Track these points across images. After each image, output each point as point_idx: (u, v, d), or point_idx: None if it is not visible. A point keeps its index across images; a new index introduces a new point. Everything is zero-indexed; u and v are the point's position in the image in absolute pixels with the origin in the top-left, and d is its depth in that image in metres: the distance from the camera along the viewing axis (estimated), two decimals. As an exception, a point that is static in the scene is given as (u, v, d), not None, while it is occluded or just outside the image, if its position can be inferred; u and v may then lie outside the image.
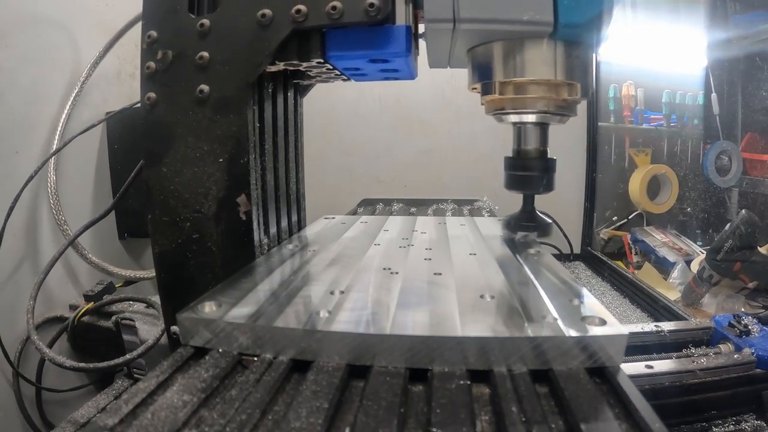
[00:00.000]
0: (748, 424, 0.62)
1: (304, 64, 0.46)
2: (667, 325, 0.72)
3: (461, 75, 0.50)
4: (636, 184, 1.50)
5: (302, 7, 0.43)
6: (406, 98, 1.46)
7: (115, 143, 1.01)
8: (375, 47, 0.43)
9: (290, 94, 0.59)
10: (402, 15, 0.43)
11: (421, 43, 0.51)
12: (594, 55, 0.44)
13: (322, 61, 0.45)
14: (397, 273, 0.43)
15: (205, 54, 0.46)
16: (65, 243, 0.78)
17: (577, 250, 1.45)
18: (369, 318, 0.32)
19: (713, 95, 1.54)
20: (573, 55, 0.41)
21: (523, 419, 0.24)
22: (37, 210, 0.86)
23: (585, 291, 0.37)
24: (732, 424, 0.62)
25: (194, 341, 0.32)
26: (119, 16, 0.94)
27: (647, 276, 1.32)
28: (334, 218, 0.74)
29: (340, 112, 1.46)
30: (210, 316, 0.32)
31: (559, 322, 0.31)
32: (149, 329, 0.72)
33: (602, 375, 0.28)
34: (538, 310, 0.33)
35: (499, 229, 0.64)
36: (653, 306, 0.94)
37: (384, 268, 0.44)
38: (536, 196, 0.51)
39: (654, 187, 1.55)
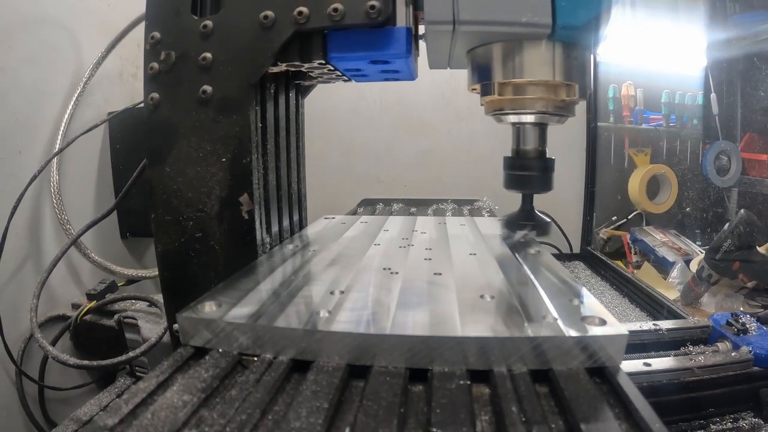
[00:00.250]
0: (746, 421, 0.63)
1: (306, 65, 0.47)
2: (665, 324, 0.72)
3: (461, 76, 0.51)
4: (635, 184, 1.51)
5: (304, 9, 0.43)
6: (407, 99, 1.47)
7: (117, 143, 1.02)
8: (376, 49, 0.44)
9: (292, 95, 0.60)
10: (402, 17, 0.43)
11: (422, 44, 0.51)
12: (592, 55, 0.44)
13: (323, 62, 0.46)
14: (397, 273, 0.43)
15: (208, 55, 0.46)
16: (68, 242, 0.78)
17: (576, 249, 1.45)
18: (369, 318, 0.32)
19: (712, 95, 1.55)
20: (571, 57, 0.42)
21: (523, 419, 0.24)
22: (40, 209, 0.87)
23: (585, 291, 0.36)
24: (730, 422, 0.62)
25: (194, 341, 0.32)
26: (121, 16, 0.95)
27: (646, 275, 1.32)
28: (334, 218, 0.74)
29: (340, 113, 1.46)
30: (210, 316, 0.32)
31: (559, 322, 0.31)
32: (152, 327, 0.73)
33: (602, 375, 0.28)
34: (538, 310, 0.33)
35: (499, 228, 0.64)
36: (652, 305, 0.95)
37: (384, 268, 0.44)
38: (536, 196, 0.51)
39: (653, 187, 1.55)
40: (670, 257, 1.39)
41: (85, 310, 0.81)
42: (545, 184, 0.48)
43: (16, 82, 0.82)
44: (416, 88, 1.42)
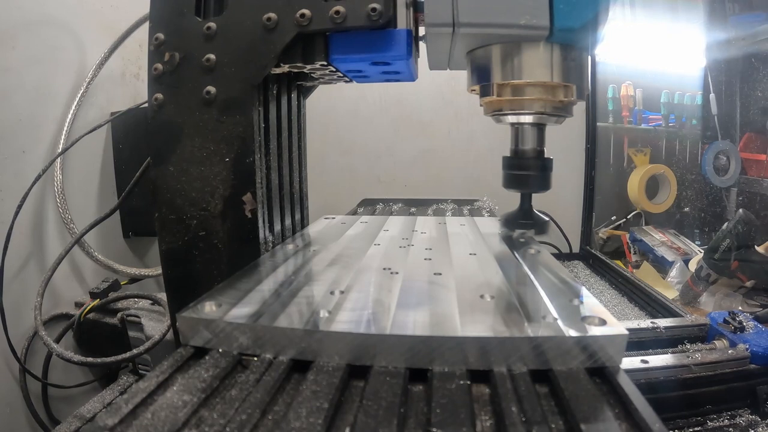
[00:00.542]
0: (743, 418, 0.63)
1: (308, 67, 0.48)
2: (663, 322, 0.73)
3: (461, 76, 0.51)
4: (635, 184, 1.52)
5: (306, 11, 0.44)
6: (407, 99, 1.48)
7: (119, 143, 1.02)
8: (377, 50, 0.45)
9: (294, 95, 0.61)
10: (403, 19, 0.44)
11: (422, 45, 0.52)
12: (589, 56, 0.45)
13: (325, 63, 0.46)
14: (397, 273, 0.43)
15: (212, 56, 0.47)
16: (72, 241, 0.79)
17: (576, 249, 1.46)
18: (369, 318, 0.32)
19: (712, 95, 1.55)
20: (569, 58, 0.42)
21: (523, 419, 0.24)
22: (44, 208, 0.88)
23: (585, 291, 0.36)
24: (727, 419, 0.63)
25: (194, 341, 0.32)
26: (124, 17, 0.96)
27: (646, 275, 1.33)
28: (334, 218, 0.74)
29: (341, 113, 1.47)
30: (210, 316, 0.32)
31: (559, 322, 0.31)
32: (155, 325, 0.73)
33: (602, 375, 0.28)
34: (538, 310, 0.33)
35: (499, 228, 0.64)
36: (651, 304, 0.95)
37: (384, 268, 0.44)
38: (535, 196, 0.52)
39: (652, 187, 1.56)
40: (669, 257, 1.40)
41: (89, 308, 0.81)
42: (543, 184, 0.49)
43: (19, 82, 0.83)
44: (416, 89, 1.42)
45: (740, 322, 0.69)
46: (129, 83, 1.10)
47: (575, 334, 0.29)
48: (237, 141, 0.47)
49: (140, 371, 0.81)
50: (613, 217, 1.55)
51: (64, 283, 0.91)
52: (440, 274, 0.42)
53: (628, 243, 1.51)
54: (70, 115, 0.90)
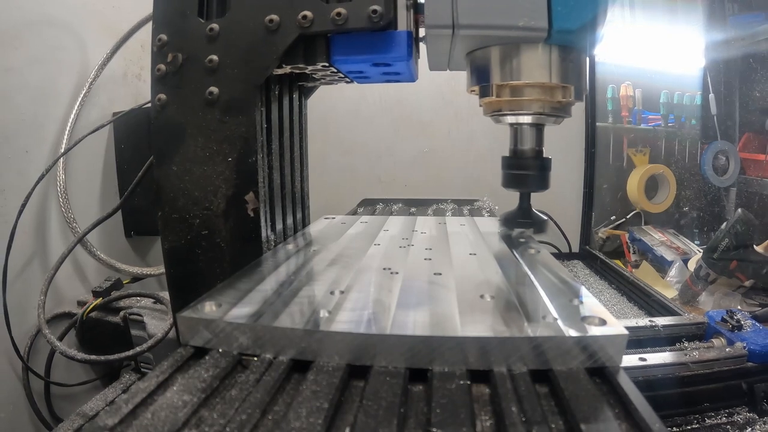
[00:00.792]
0: (741, 416, 0.63)
1: (310, 68, 0.48)
2: (661, 320, 0.74)
3: (460, 76, 0.52)
4: (634, 184, 1.52)
5: (308, 13, 0.44)
6: (407, 99, 1.48)
7: (121, 143, 1.03)
8: (378, 52, 0.45)
9: (295, 96, 0.61)
10: (404, 21, 0.45)
11: (422, 46, 0.52)
12: (588, 57, 0.46)
13: (327, 64, 0.47)
14: (397, 273, 0.43)
15: (215, 57, 0.48)
16: (75, 240, 0.79)
17: (575, 249, 1.46)
18: (369, 318, 0.32)
19: (711, 95, 1.56)
20: (567, 59, 0.43)
21: (523, 419, 0.24)
22: (47, 208, 0.88)
23: (585, 291, 0.37)
24: (724, 416, 0.63)
25: (194, 341, 0.32)
26: (125, 18, 0.96)
27: (645, 275, 1.33)
28: (334, 218, 0.74)
29: (341, 113, 1.47)
30: (210, 316, 0.32)
31: (559, 322, 0.31)
32: (157, 324, 0.74)
33: (602, 375, 0.28)
34: (538, 310, 0.33)
35: (498, 227, 0.65)
36: (650, 304, 0.96)
37: (384, 268, 0.44)
38: (535, 195, 0.52)
39: (652, 187, 1.56)
40: (669, 256, 1.40)
41: (91, 306, 0.82)
42: (542, 183, 0.49)
43: (22, 82, 0.83)
44: (416, 89, 1.43)
45: (738, 321, 0.69)
46: (131, 83, 1.11)
47: (575, 334, 0.29)
48: (240, 141, 0.48)
49: (142, 369, 0.81)
50: (613, 217, 1.56)
51: (67, 282, 0.92)
52: (440, 274, 0.43)
53: (627, 243, 1.51)
54: (72, 115, 0.91)
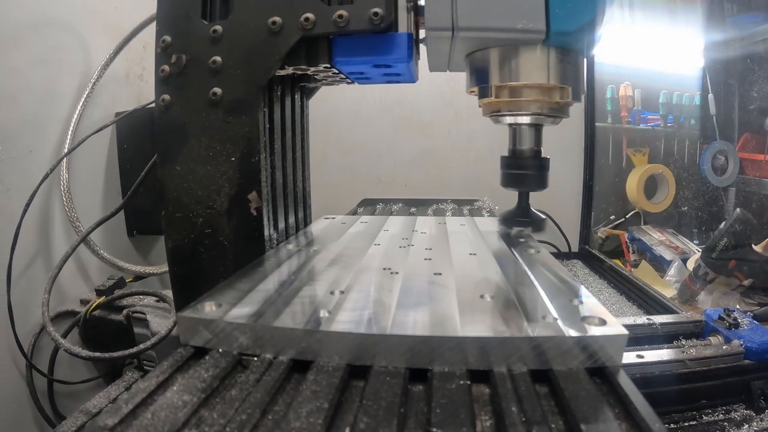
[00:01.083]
0: (738, 413, 0.64)
1: (312, 69, 0.49)
2: (658, 318, 0.74)
3: (460, 77, 0.52)
4: (633, 184, 1.53)
5: (310, 15, 0.45)
6: (407, 99, 1.49)
7: (124, 143, 1.04)
8: (379, 53, 0.46)
9: (297, 97, 0.62)
10: (404, 23, 0.45)
11: (422, 47, 0.53)
12: (585, 59, 0.46)
13: (328, 66, 0.48)
14: (397, 273, 0.43)
15: (218, 58, 0.48)
16: (78, 238, 0.80)
17: (575, 248, 1.47)
18: (369, 318, 0.32)
19: (710, 96, 1.56)
20: (565, 61, 0.44)
21: (523, 419, 0.24)
22: (50, 207, 0.89)
23: (584, 291, 0.37)
24: (722, 413, 0.64)
25: (194, 341, 0.32)
26: (127, 19, 0.97)
27: (644, 274, 1.34)
28: (334, 218, 0.74)
29: (342, 113, 1.48)
30: (210, 316, 0.32)
31: (559, 322, 0.31)
32: (160, 322, 0.75)
33: (602, 375, 0.28)
34: (538, 310, 0.33)
35: (497, 227, 0.65)
36: (649, 303, 0.96)
37: (384, 268, 0.44)
38: (535, 195, 0.53)
39: (651, 187, 1.57)
40: (668, 256, 1.41)
41: (95, 305, 0.83)
42: (540, 183, 0.50)
43: (26, 83, 0.84)
44: (416, 89, 1.42)
45: (735, 319, 0.70)
46: (133, 84, 1.12)
47: (575, 334, 0.29)
48: (243, 141, 0.48)
49: (145, 367, 0.82)
50: (612, 217, 1.56)
51: (70, 281, 0.93)
52: (440, 274, 0.43)
53: (626, 242, 1.52)
54: (75, 115, 0.92)
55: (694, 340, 0.69)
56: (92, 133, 0.89)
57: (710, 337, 0.69)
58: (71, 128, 0.91)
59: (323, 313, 0.32)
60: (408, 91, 1.45)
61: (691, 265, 1.27)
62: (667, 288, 1.26)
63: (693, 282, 1.19)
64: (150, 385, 0.27)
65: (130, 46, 0.99)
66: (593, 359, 0.29)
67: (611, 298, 1.08)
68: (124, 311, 0.80)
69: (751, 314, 0.73)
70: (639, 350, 0.64)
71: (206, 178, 0.50)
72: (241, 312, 0.33)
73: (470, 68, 0.49)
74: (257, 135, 0.48)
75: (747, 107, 1.55)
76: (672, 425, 0.61)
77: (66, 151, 0.87)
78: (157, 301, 0.82)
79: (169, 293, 0.82)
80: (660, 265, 1.41)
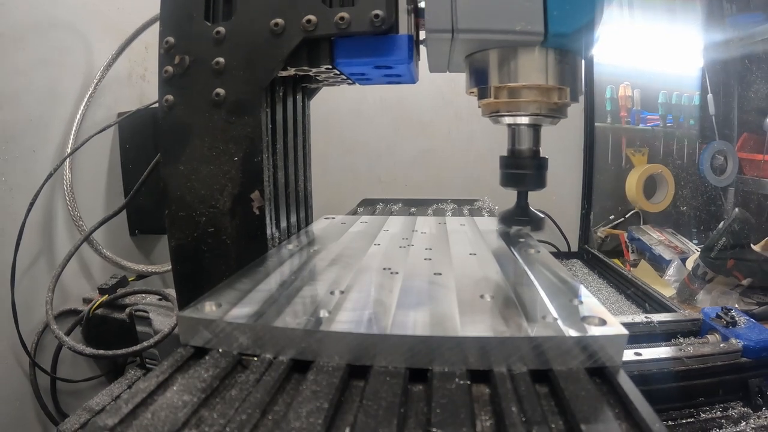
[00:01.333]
0: (735, 410, 0.65)
1: (314, 70, 0.50)
2: (657, 317, 0.75)
3: (460, 77, 0.53)
4: (633, 184, 1.53)
5: (312, 17, 0.46)
6: (407, 100, 1.50)
7: (126, 143, 1.04)
8: (380, 55, 0.46)
9: (299, 97, 0.62)
10: (405, 25, 0.46)
11: (422, 48, 0.54)
12: (583, 60, 0.47)
13: (330, 67, 0.48)
14: (397, 273, 0.43)
15: (221, 60, 0.49)
16: (81, 237, 0.81)
17: (574, 248, 1.48)
18: (369, 318, 0.32)
19: (709, 96, 1.57)
20: (563, 62, 0.44)
21: (523, 419, 0.24)
22: (53, 207, 0.90)
23: (584, 291, 0.37)
24: (719, 411, 0.64)
25: (194, 341, 0.32)
26: (129, 19, 0.98)
27: (643, 273, 1.34)
28: (334, 218, 0.74)
29: (342, 113, 1.49)
30: (210, 316, 0.32)
31: (559, 322, 0.31)
32: (163, 320, 0.75)
33: (602, 375, 0.29)
34: (538, 310, 0.33)
35: (497, 226, 0.66)
36: (648, 302, 0.97)
37: (384, 268, 0.44)
38: (535, 195, 0.53)
39: (650, 187, 1.58)
40: (667, 255, 1.42)
41: (98, 303, 0.83)
42: (539, 182, 0.51)
43: (29, 83, 0.85)
44: (416, 89, 1.42)
45: (732, 317, 0.70)
46: (135, 84, 1.13)
47: (575, 334, 0.29)
48: (246, 141, 0.49)
49: (147, 365, 0.82)
50: (612, 217, 1.57)
51: (73, 280, 0.93)
52: (440, 274, 0.43)
53: (626, 242, 1.52)
54: (78, 116, 0.92)
55: (692, 339, 0.70)
56: (95, 133, 0.89)
57: (708, 336, 0.70)
58: (74, 128, 0.91)
59: (323, 313, 0.32)
60: (408, 91, 1.45)
61: (690, 264, 1.27)
62: (666, 287, 1.27)
63: (692, 281, 1.20)
64: (150, 385, 0.27)
65: (132, 47, 0.99)
66: (593, 359, 0.29)
67: (610, 297, 1.08)
68: (127, 310, 0.80)
69: (751, 313, 0.73)
70: (637, 348, 0.64)
71: (209, 177, 0.50)
72: (241, 312, 0.33)
73: (470, 69, 0.49)
74: (260, 135, 0.49)
75: (746, 107, 1.55)
76: (670, 422, 0.62)
77: (69, 151, 0.88)
78: (160, 299, 0.82)
79: (171, 292, 0.83)
80: (659, 265, 1.42)
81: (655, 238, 1.49)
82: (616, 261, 1.37)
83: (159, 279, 1.09)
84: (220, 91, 0.49)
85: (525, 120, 0.48)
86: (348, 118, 1.50)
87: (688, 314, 0.78)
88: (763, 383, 0.65)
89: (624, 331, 0.29)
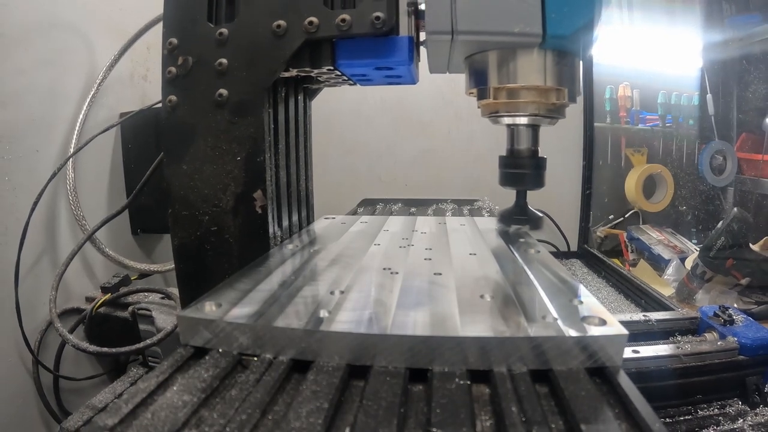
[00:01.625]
0: (733, 408, 0.65)
1: (315, 71, 0.50)
2: (654, 315, 0.75)
3: (460, 78, 0.54)
4: (632, 184, 1.54)
5: (314, 19, 0.46)
6: (407, 100, 1.50)
7: (128, 143, 1.05)
8: (380, 56, 0.47)
9: (300, 98, 0.63)
10: (405, 27, 0.47)
11: (422, 49, 0.54)
12: (581, 61, 0.48)
13: (332, 68, 0.49)
14: (397, 273, 0.43)
15: (224, 61, 0.49)
16: (85, 236, 0.81)
17: (574, 248, 1.48)
18: (369, 318, 0.32)
19: (709, 96, 1.57)
20: (561, 63, 0.45)
21: (523, 419, 0.24)
22: (57, 206, 0.90)
23: (584, 291, 0.37)
24: (717, 408, 0.65)
25: (194, 341, 0.32)
26: (132, 20, 0.98)
27: (642, 273, 1.35)
28: (334, 218, 0.75)
29: (343, 113, 1.49)
30: (210, 316, 0.32)
31: (559, 322, 0.31)
32: (166, 318, 0.76)
33: (602, 375, 0.29)
34: (538, 310, 0.33)
35: (496, 226, 0.66)
36: (647, 301, 0.97)
37: (384, 268, 0.44)
38: (535, 195, 0.54)
39: (650, 187, 1.58)
40: (666, 255, 1.42)
41: (101, 302, 0.84)
42: (537, 181, 0.51)
43: (32, 83, 0.85)
44: (417, 90, 1.42)
45: (730, 315, 0.71)
46: (137, 84, 1.13)
47: (575, 334, 0.29)
48: (248, 141, 0.50)
49: (150, 364, 0.83)
50: (611, 216, 1.58)
51: (75, 279, 0.94)
52: (440, 274, 0.43)
53: (625, 241, 1.53)
54: (81, 116, 0.93)
55: (690, 337, 0.70)
56: (98, 133, 0.90)
57: (705, 334, 0.71)
58: (77, 128, 0.92)
59: (323, 313, 0.32)
60: (408, 91, 1.46)
61: (689, 264, 1.28)
62: (665, 287, 1.27)
63: (691, 281, 1.21)
64: (150, 385, 0.27)
65: (134, 48, 1.00)
66: (593, 359, 0.29)
67: (609, 296, 1.09)
68: (130, 308, 0.81)
69: (750, 313, 0.74)
70: (635, 346, 0.65)
71: (212, 177, 0.51)
72: (241, 312, 0.33)
73: (469, 70, 0.50)
74: (262, 135, 0.50)
75: (745, 107, 1.56)
76: (668, 419, 0.62)
77: (72, 151, 0.89)
78: (162, 298, 0.83)
79: (174, 290, 0.83)
80: (658, 264, 1.42)
81: (654, 237, 1.50)
82: (616, 261, 1.37)
83: (161, 278, 1.10)
84: (223, 91, 0.49)
85: (524, 120, 0.48)
86: (348, 119, 1.50)
87: (686, 313, 0.78)
88: (760, 381, 0.66)
89: (624, 331, 0.29)
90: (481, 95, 0.49)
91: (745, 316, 0.72)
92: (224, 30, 0.49)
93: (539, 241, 0.57)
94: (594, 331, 0.29)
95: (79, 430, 0.69)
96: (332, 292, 0.37)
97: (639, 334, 0.71)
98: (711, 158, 1.58)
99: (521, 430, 0.23)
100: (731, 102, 1.59)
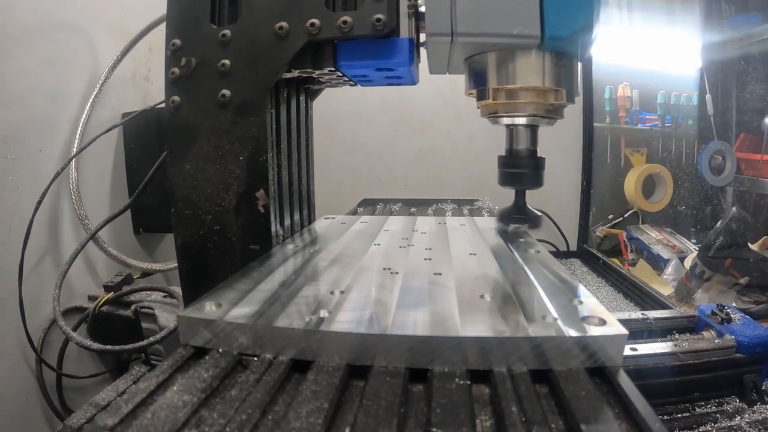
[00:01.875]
0: (730, 405, 0.66)
1: (317, 72, 0.51)
2: (653, 314, 0.76)
3: (460, 78, 0.54)
4: (631, 183, 1.54)
5: (316, 21, 0.47)
6: (407, 100, 1.50)
7: (131, 143, 1.06)
8: (381, 57, 0.48)
9: (302, 98, 0.64)
10: (405, 28, 0.47)
11: (422, 50, 0.55)
12: (579, 62, 0.48)
13: (333, 69, 0.50)
14: (397, 273, 0.43)
15: (227, 62, 0.50)
16: (88, 236, 0.82)
17: (573, 247, 1.48)
18: (369, 318, 0.32)
19: (708, 96, 1.58)
20: (559, 64, 0.46)
21: (523, 419, 0.24)
22: (60, 206, 0.91)
23: (584, 290, 0.37)
24: (714, 405, 0.65)
25: (194, 341, 0.32)
26: (134, 21, 0.99)
27: (642, 273, 1.36)
28: (334, 218, 0.75)
29: (343, 113, 1.50)
30: (210, 316, 0.32)
31: (559, 322, 0.31)
32: (168, 316, 0.77)
33: (602, 375, 0.28)
34: (538, 310, 0.33)
35: (496, 225, 0.67)
36: (646, 300, 0.98)
37: (384, 268, 0.44)
38: (534, 195, 0.54)
39: (649, 186, 1.59)
40: (665, 254, 1.43)
41: (103, 300, 0.85)
42: (536, 181, 0.52)
43: (36, 84, 0.86)
44: (417, 90, 1.43)
45: (727, 314, 0.71)
46: (139, 85, 1.14)
47: (575, 334, 0.29)
48: (251, 141, 0.50)
49: (152, 361, 0.84)
50: (610, 216, 1.58)
51: (78, 278, 0.95)
52: (440, 274, 0.43)
53: (624, 241, 1.53)
54: (84, 116, 0.94)
55: (688, 335, 0.71)
56: (101, 133, 0.91)
57: (703, 332, 0.71)
58: (80, 128, 0.93)
59: (323, 313, 0.32)
60: (408, 92, 1.46)
61: (688, 263, 1.28)
62: (664, 286, 1.28)
63: (690, 280, 1.21)
64: (150, 385, 0.27)
65: (136, 48, 1.01)
66: (593, 359, 0.29)
67: (609, 296, 1.09)
68: (132, 307, 0.82)
69: (749, 312, 0.74)
70: (633, 344, 0.65)
71: (215, 176, 0.51)
72: (241, 312, 0.33)
73: (469, 71, 0.50)
74: (265, 135, 0.50)
75: (744, 107, 1.56)
76: (666, 417, 0.63)
77: (75, 151, 0.89)
78: (165, 296, 0.84)
79: (176, 289, 0.84)
80: (657, 264, 1.43)
81: (653, 237, 1.50)
82: (615, 260, 1.37)
83: (162, 277, 1.11)
84: (226, 92, 0.50)
85: (522, 121, 0.49)
86: (349, 119, 1.51)
87: (684, 311, 0.79)
88: (757, 378, 0.66)
89: (624, 330, 0.30)
90: (481, 96, 0.49)
91: (742, 314, 0.72)
92: (227, 31, 0.50)
93: (539, 240, 0.58)
94: (594, 331, 0.29)
95: (82, 428, 0.70)
96: (332, 292, 0.37)
97: (637, 332, 0.72)
98: (710, 158, 1.58)
99: (521, 430, 0.23)
100: (730, 102, 1.60)
